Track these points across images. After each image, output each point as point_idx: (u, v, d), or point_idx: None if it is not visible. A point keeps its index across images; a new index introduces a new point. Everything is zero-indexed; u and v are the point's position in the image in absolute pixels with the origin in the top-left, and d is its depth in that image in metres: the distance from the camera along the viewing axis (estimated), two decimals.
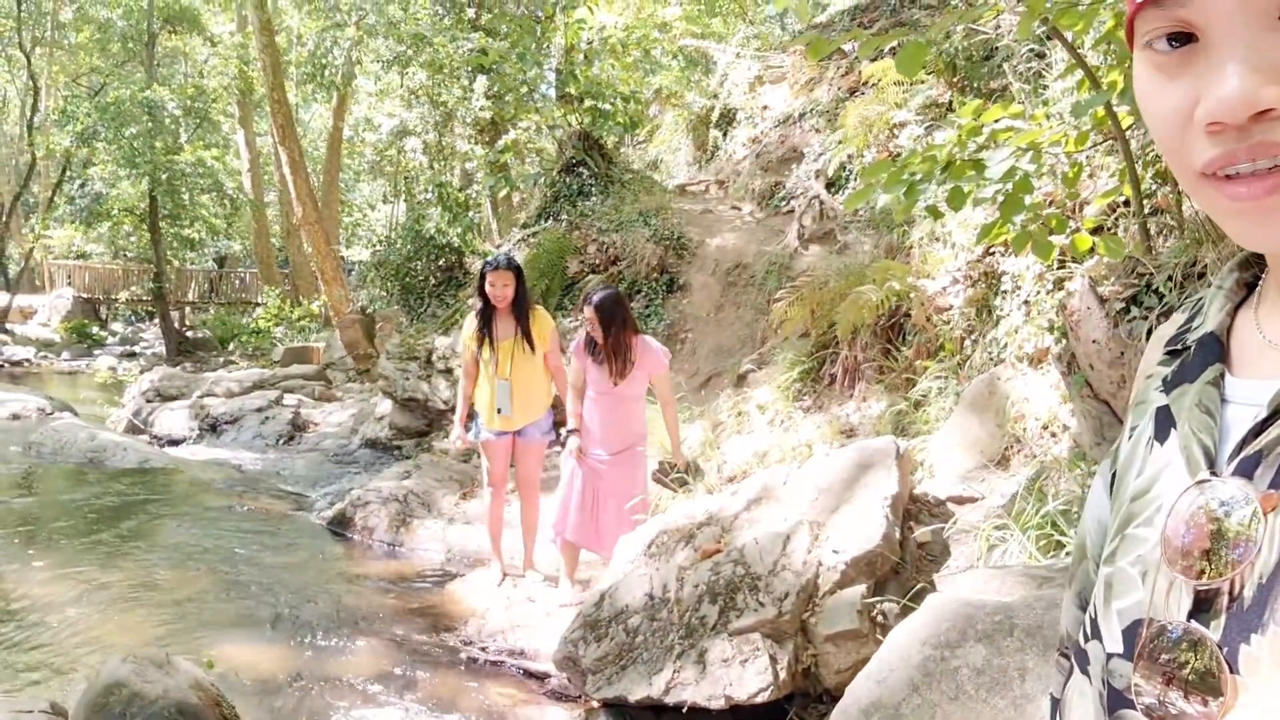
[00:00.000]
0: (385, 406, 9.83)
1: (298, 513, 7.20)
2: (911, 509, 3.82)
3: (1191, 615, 0.55)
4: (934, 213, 2.61)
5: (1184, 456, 0.59)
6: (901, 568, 3.45)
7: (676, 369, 8.43)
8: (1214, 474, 0.56)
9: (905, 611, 3.14)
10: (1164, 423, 0.63)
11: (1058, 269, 4.21)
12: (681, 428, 6.99)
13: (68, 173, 23.62)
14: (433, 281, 10.78)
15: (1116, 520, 0.64)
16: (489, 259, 5.12)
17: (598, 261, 9.29)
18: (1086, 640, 0.64)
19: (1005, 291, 4.53)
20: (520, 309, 4.90)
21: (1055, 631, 2.07)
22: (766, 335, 7.57)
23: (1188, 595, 0.55)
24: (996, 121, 2.63)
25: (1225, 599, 0.53)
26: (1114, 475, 0.68)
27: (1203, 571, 0.54)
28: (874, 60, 8.68)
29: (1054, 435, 4.14)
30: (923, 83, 8.19)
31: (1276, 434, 0.54)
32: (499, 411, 4.91)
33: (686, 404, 7.17)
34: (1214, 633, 0.53)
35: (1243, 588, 0.53)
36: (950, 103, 7.83)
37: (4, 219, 24.37)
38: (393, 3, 12.28)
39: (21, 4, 21.78)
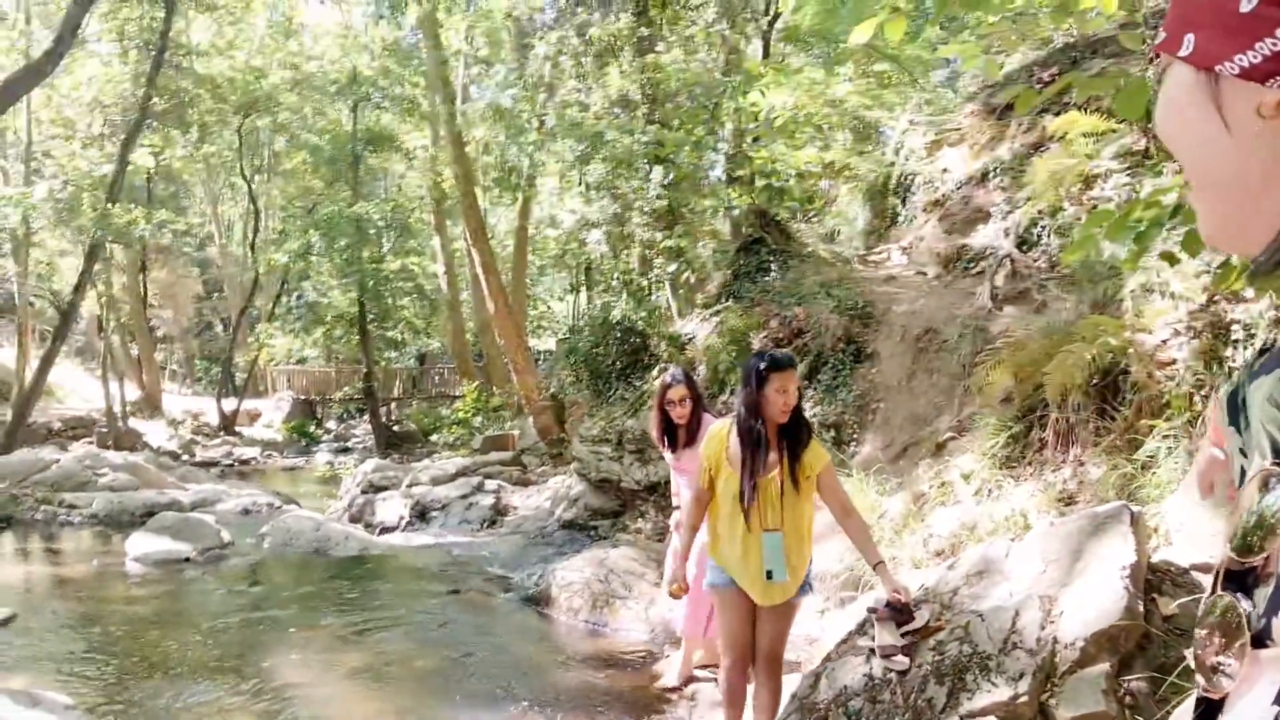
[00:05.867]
0: (579, 488, 10.09)
1: (506, 594, 7.45)
2: (1152, 579, 3.54)
3: (1230, 583, 0.62)
4: (1169, 259, 2.45)
5: (1255, 445, 0.66)
6: (1148, 643, 3.20)
7: (869, 439, 8.24)
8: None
9: (1161, 691, 2.90)
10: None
11: None
12: (882, 500, 6.82)
13: (285, 285, 26.08)
14: (619, 365, 11.07)
15: None
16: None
17: (781, 335, 9.28)
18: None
19: (1237, 341, 4.20)
20: (795, 433, 3.56)
21: None
22: (965, 401, 7.29)
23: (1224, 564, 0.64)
24: None
25: (1276, 575, 0.59)
26: None
27: (1241, 548, 0.62)
28: (1059, 114, 8.40)
29: None
30: (1114, 131, 7.84)
31: None
32: (769, 576, 3.58)
33: (885, 475, 6.97)
34: (1260, 604, 0.60)
35: (1273, 568, 0.59)
36: (1147, 149, 7.44)
37: (233, 331, 27.10)
38: (571, 106, 13.01)
39: (242, 139, 24.59)
